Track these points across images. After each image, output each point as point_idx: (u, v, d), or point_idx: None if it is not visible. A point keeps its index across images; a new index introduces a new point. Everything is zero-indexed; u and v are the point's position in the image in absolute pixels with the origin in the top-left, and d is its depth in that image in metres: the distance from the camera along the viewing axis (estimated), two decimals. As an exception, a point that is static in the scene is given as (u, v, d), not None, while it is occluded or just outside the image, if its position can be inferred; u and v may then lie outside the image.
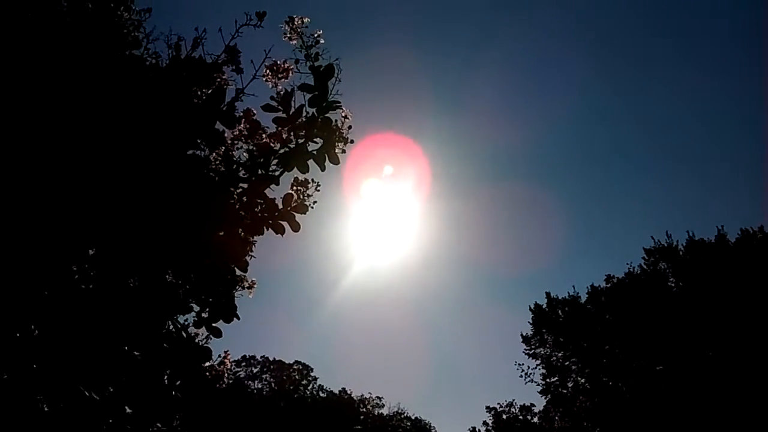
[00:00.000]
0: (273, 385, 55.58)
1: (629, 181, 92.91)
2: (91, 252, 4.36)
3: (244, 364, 55.12)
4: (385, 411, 58.24)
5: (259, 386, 55.35)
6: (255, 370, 55.75)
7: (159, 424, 5.53)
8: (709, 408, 27.62)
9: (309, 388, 57.34)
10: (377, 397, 58.16)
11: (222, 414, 42.53)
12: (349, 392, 57.09)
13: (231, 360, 5.01)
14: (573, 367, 36.89)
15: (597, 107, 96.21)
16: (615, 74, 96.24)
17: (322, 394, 56.68)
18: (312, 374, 57.36)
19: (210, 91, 3.50)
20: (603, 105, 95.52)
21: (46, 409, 3.90)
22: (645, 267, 35.32)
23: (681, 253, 34.48)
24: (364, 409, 57.73)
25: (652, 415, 29.70)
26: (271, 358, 56.34)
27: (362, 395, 57.67)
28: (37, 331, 3.48)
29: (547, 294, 39.00)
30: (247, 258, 4.89)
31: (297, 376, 56.95)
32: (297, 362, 57.25)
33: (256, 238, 4.83)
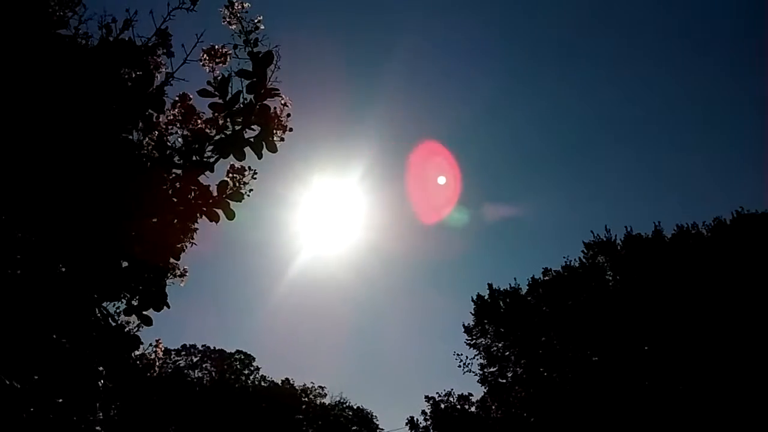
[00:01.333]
0: (214, 374, 54.96)
1: (577, 173, 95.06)
2: (17, 236, 4.22)
3: (184, 353, 54.32)
4: (327, 400, 58.39)
5: (200, 375, 54.65)
6: (195, 359, 55.02)
7: (89, 415, 5.41)
8: (641, 399, 28.60)
9: (251, 377, 56.94)
10: (320, 386, 58.26)
11: (161, 403, 41.83)
12: (291, 382, 56.95)
13: (163, 348, 4.94)
14: (512, 358, 37.66)
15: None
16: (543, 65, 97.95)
17: (264, 384, 56.35)
18: (254, 364, 57.00)
19: (139, 74, 3.42)
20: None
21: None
22: (584, 260, 36.25)
23: (619, 247, 35.49)
24: (307, 399, 57.71)
25: (584, 406, 30.57)
26: (211, 347, 55.69)
27: (304, 385, 57.68)
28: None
29: (489, 285, 39.70)
30: (185, 245, 4.81)
31: (239, 366, 56.46)
32: (239, 351, 56.79)
33: (197, 226, 4.76)
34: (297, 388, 56.96)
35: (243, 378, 56.25)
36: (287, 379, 56.93)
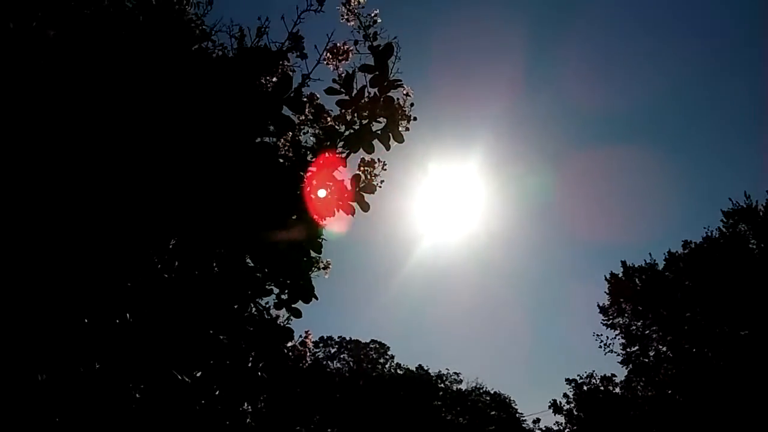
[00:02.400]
0: (351, 364, 56.54)
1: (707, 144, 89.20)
2: (172, 243, 4.57)
3: (321, 345, 56.26)
4: (463, 386, 58.42)
5: (338, 366, 56.42)
6: (333, 351, 56.86)
7: (247, 404, 5.76)
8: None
9: (386, 366, 58.05)
10: (455, 372, 58.39)
11: (304, 394, 43.64)
12: (426, 369, 57.52)
13: (312, 339, 5.17)
14: (654, 336, 36.02)
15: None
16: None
17: (399, 372, 57.27)
18: (389, 352, 58.04)
19: (276, 78, 3.60)
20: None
21: (138, 395, 4.14)
22: (724, 230, 33.97)
23: (761, 213, 32.97)
24: (443, 385, 58.02)
25: (740, 381, 28.72)
26: (347, 338, 57.32)
27: (439, 371, 58.00)
28: (131, 320, 3.69)
29: (623, 263, 38.10)
30: (321, 240, 5.02)
31: (374, 355, 57.74)
32: (373, 341, 58.03)
33: (326, 221, 4.96)
34: (432, 374, 57.44)
35: (379, 367, 57.47)
36: (421, 365, 57.57)
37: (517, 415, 56.88)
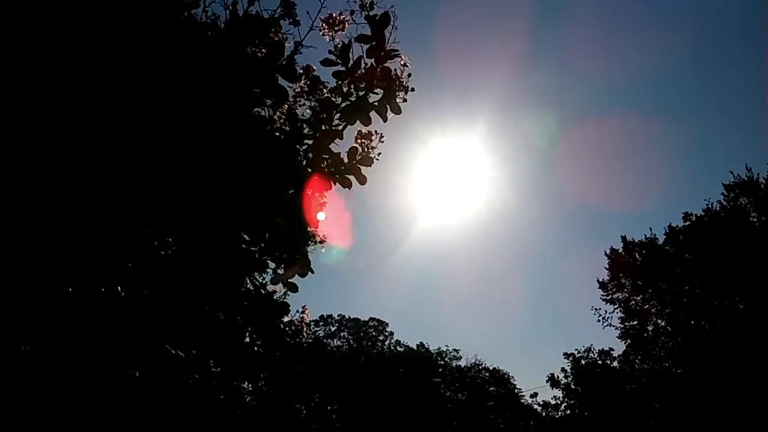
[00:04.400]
0: (351, 342, 56.90)
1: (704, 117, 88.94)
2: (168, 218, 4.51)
3: (321, 323, 56.63)
4: (462, 363, 58.90)
5: (338, 344, 56.78)
6: (333, 329, 57.20)
7: (247, 383, 5.72)
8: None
9: (386, 343, 58.46)
10: (454, 349, 58.80)
11: (304, 372, 43.96)
12: (426, 346, 57.90)
13: (309, 315, 5.13)
14: (653, 310, 36.20)
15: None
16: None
17: (399, 349, 57.68)
18: (388, 330, 58.40)
19: (268, 46, 3.51)
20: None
21: (136, 372, 4.11)
22: (724, 203, 33.95)
23: (762, 186, 32.92)
24: (442, 362, 58.49)
25: (738, 353, 28.90)
26: (347, 316, 57.60)
27: (439, 348, 58.40)
28: (125, 295, 3.64)
29: (623, 238, 38.17)
30: (318, 214, 4.97)
31: (374, 333, 58.11)
32: (372, 319, 58.39)
33: (325, 199, 4.90)
34: (432, 351, 57.83)
35: (379, 344, 57.86)
36: (422, 343, 57.96)
37: (516, 390, 57.39)
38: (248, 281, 4.48)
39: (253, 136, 4.02)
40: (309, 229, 4.71)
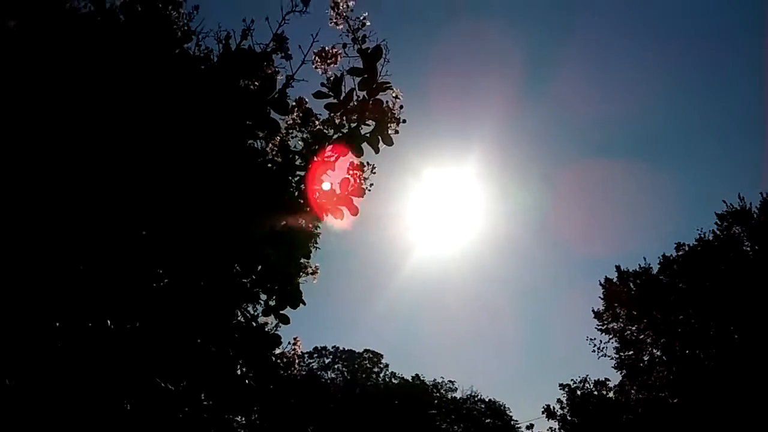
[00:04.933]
0: (346, 374, 56.34)
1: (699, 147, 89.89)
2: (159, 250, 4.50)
3: (316, 355, 56.09)
4: (458, 394, 58.31)
5: (333, 376, 56.20)
6: (327, 361, 56.66)
7: (237, 415, 5.67)
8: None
9: (381, 375, 57.89)
10: (450, 381, 58.27)
11: (298, 404, 43.44)
12: (421, 378, 57.35)
13: (301, 346, 5.09)
14: (648, 340, 36.05)
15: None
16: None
17: (394, 381, 57.11)
18: (383, 362, 57.90)
19: (261, 80, 3.55)
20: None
21: (126, 404, 4.06)
22: (717, 232, 34.08)
23: (755, 215, 33.09)
24: (438, 394, 57.89)
25: (734, 382, 28.74)
26: (341, 348, 57.12)
27: (435, 380, 57.86)
28: (114, 327, 3.61)
29: (617, 267, 38.16)
30: (312, 247, 4.97)
31: (368, 365, 57.57)
32: (367, 350, 57.88)
33: (320, 230, 4.90)
34: (427, 383, 57.29)
35: (374, 376, 57.30)
36: (417, 375, 57.42)
37: (512, 422, 56.78)
38: (239, 313, 4.46)
39: (245, 168, 4.04)
40: (301, 261, 4.71)
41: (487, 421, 57.24)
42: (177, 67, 3.22)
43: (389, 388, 55.01)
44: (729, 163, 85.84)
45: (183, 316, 4.23)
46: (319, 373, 55.36)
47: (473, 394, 58.08)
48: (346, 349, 57.23)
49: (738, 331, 30.91)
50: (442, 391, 58.10)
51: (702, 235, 34.58)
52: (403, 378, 57.14)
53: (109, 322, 3.62)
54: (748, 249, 32.85)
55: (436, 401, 56.91)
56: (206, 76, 3.36)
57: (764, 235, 31.67)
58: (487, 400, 58.01)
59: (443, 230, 71.26)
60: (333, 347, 56.92)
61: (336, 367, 56.92)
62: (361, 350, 57.80)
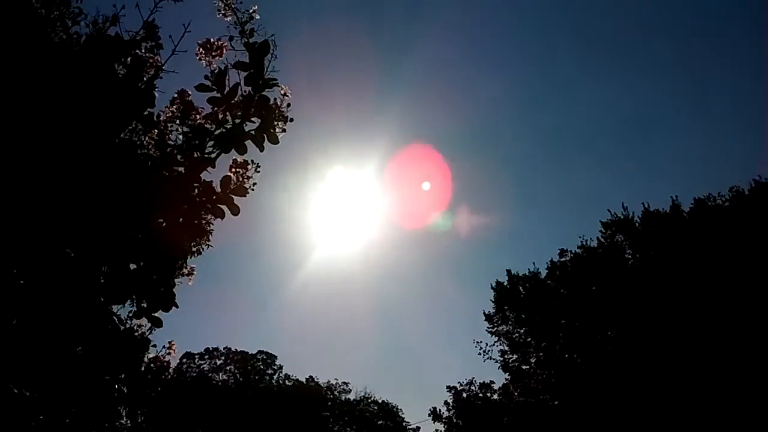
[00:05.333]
0: (238, 376, 55.21)
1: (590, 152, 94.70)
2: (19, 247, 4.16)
3: (207, 356, 54.60)
4: (352, 396, 58.48)
5: (224, 377, 54.92)
6: (219, 362, 55.31)
7: (105, 422, 5.35)
8: (663, 380, 28.32)
9: (275, 377, 57.17)
10: (343, 382, 58.36)
11: (187, 407, 42.12)
12: (315, 379, 57.10)
13: (175, 350, 4.87)
14: (533, 343, 37.44)
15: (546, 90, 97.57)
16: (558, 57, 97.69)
17: (288, 383, 56.55)
18: (277, 363, 57.20)
19: (127, 68, 3.33)
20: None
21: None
22: (602, 240, 35.86)
23: (637, 225, 35.05)
24: (331, 396, 57.83)
25: (607, 387, 30.32)
26: (234, 349, 55.93)
27: (329, 381, 57.78)
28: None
29: (508, 271, 39.47)
30: (202, 247, 4.75)
31: (262, 366, 56.70)
32: (261, 352, 57.01)
33: (213, 227, 4.69)
34: (321, 385, 57.11)
35: (267, 378, 56.51)
36: (311, 377, 57.12)
37: (404, 423, 57.55)
38: (107, 316, 4.19)
39: (116, 161, 3.80)
40: (177, 261, 4.49)
41: (379, 422, 57.71)
42: (38, 54, 2.96)
43: (282, 390, 54.40)
44: (613, 172, 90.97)
45: (42, 316, 3.93)
46: (210, 375, 53.92)
47: (367, 395, 58.45)
48: (239, 350, 56.12)
49: (617, 337, 32.62)
50: (336, 392, 58.09)
51: (585, 242, 36.32)
52: (297, 380, 56.70)
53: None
54: (630, 257, 34.76)
55: (329, 403, 56.81)
56: (71, 63, 3.11)
57: (645, 244, 33.59)
58: (380, 401, 58.53)
59: (342, 231, 71.42)
60: (225, 348, 55.66)
61: (228, 368, 55.65)
62: (254, 352, 56.85)
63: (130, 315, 4.41)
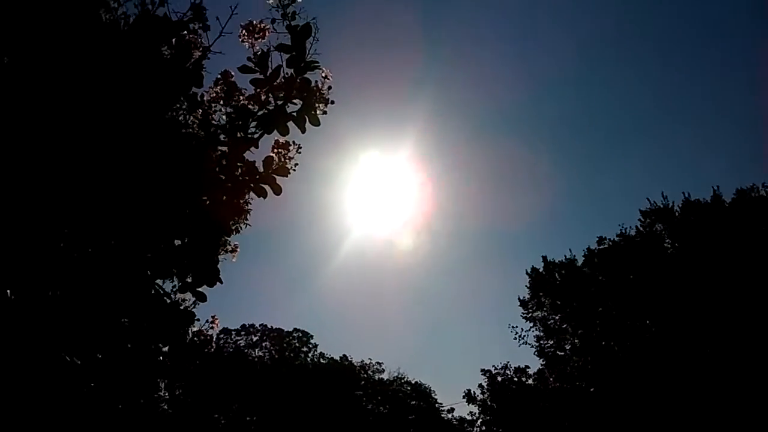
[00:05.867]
0: (273, 353, 55.98)
1: (627, 143, 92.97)
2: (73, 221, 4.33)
3: (243, 333, 55.46)
4: (385, 376, 58.81)
5: (260, 354, 55.76)
6: (255, 339, 56.12)
7: (149, 392, 5.55)
8: (700, 364, 27.89)
9: (309, 355, 57.79)
10: (377, 362, 58.69)
11: (223, 382, 42.96)
12: (349, 358, 57.60)
13: (219, 324, 5.01)
14: (569, 329, 37.18)
15: (597, 71, 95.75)
16: (616, 41, 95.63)
17: (322, 361, 57.13)
18: (312, 341, 57.79)
19: (175, 49, 3.43)
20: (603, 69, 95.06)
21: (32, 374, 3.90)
22: (641, 229, 35.30)
23: (677, 214, 34.40)
24: (365, 375, 58.26)
25: (644, 375, 29.98)
26: (270, 326, 56.70)
27: (362, 361, 58.16)
28: (13, 297, 3.46)
29: (544, 258, 39.13)
30: (240, 225, 4.87)
31: (297, 344, 57.36)
32: (296, 330, 57.65)
33: (251, 206, 4.81)
34: (355, 364, 57.58)
35: (302, 355, 57.17)
36: (345, 355, 57.61)
37: (437, 405, 57.80)
38: (154, 289, 4.34)
39: (163, 140, 3.92)
40: (221, 238, 4.62)
41: (412, 403, 58.02)
42: (85, 30, 3.07)
43: (317, 368, 55.02)
44: (657, 160, 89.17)
45: (92, 288, 4.10)
46: (246, 351, 54.81)
47: (400, 375, 58.74)
48: (275, 327, 56.88)
49: (654, 326, 32.18)
50: (369, 372, 58.51)
51: (624, 231, 35.78)
52: (331, 358, 57.23)
53: (9, 292, 3.46)
54: (669, 246, 34.15)
55: (363, 382, 57.26)
56: (118, 41, 3.22)
57: (685, 233, 32.95)
58: (413, 382, 58.76)
59: (377, 214, 71.57)
60: (261, 325, 56.45)
61: (264, 345, 56.47)
62: (290, 329, 57.58)
63: (175, 289, 4.56)
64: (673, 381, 28.42)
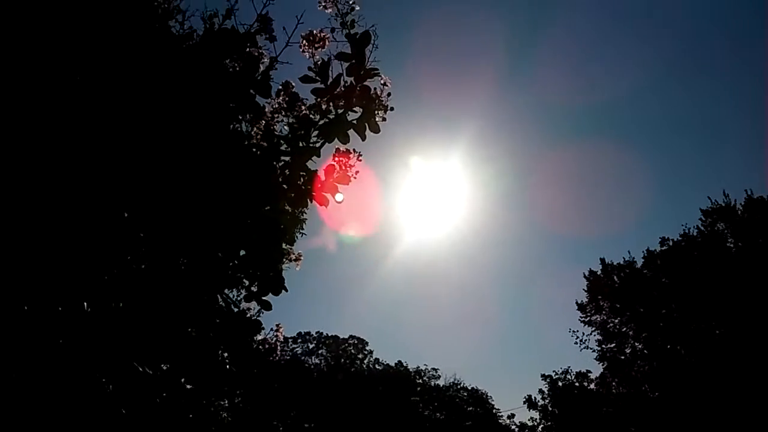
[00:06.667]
0: (330, 360, 56.36)
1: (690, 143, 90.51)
2: (141, 233, 4.43)
3: (300, 340, 56.06)
4: (441, 382, 58.53)
5: (317, 362, 56.23)
6: (311, 346, 56.65)
7: (217, 400, 5.64)
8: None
9: (365, 361, 57.97)
10: (433, 368, 58.48)
11: (281, 389, 43.50)
12: (405, 365, 57.54)
13: (283, 333, 5.06)
14: (630, 333, 36.27)
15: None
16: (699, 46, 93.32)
17: (378, 368, 57.23)
18: (367, 348, 57.98)
19: (244, 61, 3.48)
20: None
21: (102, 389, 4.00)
22: (702, 228, 34.25)
23: (739, 212, 33.26)
24: (421, 381, 58.09)
25: (713, 377, 29.00)
26: (325, 334, 57.13)
27: (418, 367, 58.05)
28: (89, 310, 3.55)
29: (602, 260, 38.31)
30: (297, 234, 4.91)
31: (353, 351, 57.64)
32: (352, 336, 57.91)
33: (306, 216, 4.85)
34: (410, 370, 57.48)
35: (358, 362, 57.41)
36: (400, 361, 57.57)
37: (494, 411, 57.15)
38: (221, 298, 4.41)
39: (229, 152, 3.98)
40: (284, 247, 4.66)
41: (469, 409, 57.55)
42: (157, 44, 3.14)
43: (373, 375, 55.16)
44: (718, 159, 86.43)
45: (162, 299, 4.18)
46: (303, 358, 55.35)
47: (456, 381, 58.36)
48: (330, 335, 57.29)
49: (719, 328, 31.13)
50: (425, 378, 58.32)
51: (686, 231, 34.77)
52: (386, 364, 57.29)
53: (85, 305, 3.55)
54: (732, 246, 33.03)
55: (419, 388, 57.12)
56: (188, 55, 3.28)
57: (748, 232, 31.84)
58: (469, 388, 58.32)
59: (430, 219, 71.34)
60: (317, 333, 56.96)
61: (320, 352, 56.93)
62: (345, 336, 57.89)
63: (240, 298, 4.62)
64: (743, 386, 27.38)
